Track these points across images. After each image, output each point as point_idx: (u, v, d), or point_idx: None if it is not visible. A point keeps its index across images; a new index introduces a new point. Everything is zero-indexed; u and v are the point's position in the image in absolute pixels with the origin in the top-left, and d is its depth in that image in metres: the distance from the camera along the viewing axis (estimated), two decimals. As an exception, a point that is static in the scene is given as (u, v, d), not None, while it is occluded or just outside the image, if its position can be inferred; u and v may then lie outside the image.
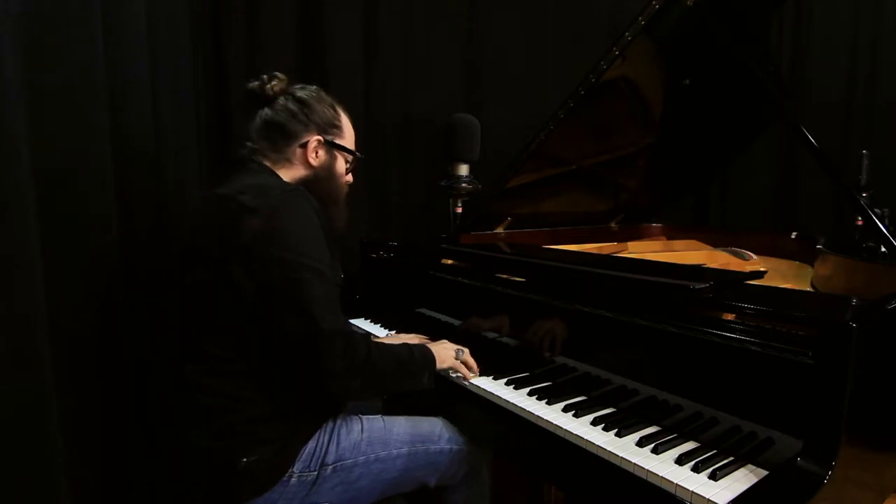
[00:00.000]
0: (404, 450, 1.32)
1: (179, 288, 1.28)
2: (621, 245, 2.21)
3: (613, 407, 1.22)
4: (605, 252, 2.03)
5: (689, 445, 1.06)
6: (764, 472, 0.97)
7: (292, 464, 1.21)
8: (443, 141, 2.20)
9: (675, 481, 0.95)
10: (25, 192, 1.26)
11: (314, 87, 1.40)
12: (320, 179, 1.37)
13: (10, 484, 1.25)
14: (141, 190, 1.64)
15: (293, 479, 1.21)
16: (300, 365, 1.18)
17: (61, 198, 1.39)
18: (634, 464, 1.01)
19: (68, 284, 1.41)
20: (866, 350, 0.92)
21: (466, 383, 1.40)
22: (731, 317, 1.07)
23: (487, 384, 1.37)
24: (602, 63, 1.64)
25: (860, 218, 1.49)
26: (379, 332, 1.82)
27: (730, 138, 2.38)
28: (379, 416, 1.38)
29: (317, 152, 1.36)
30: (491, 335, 1.56)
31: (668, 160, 2.30)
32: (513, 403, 1.27)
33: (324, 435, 1.27)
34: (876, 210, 1.41)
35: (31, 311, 1.27)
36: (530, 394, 1.30)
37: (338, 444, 1.27)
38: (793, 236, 2.12)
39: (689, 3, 1.56)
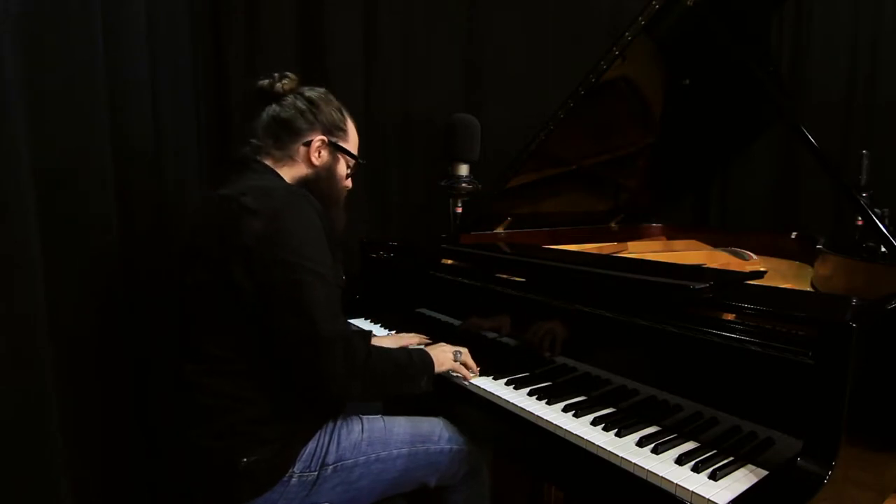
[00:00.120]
0: (404, 450, 1.32)
1: (179, 288, 1.28)
2: (621, 245, 2.21)
3: (613, 407, 1.22)
4: (605, 252, 2.03)
5: (689, 445, 1.06)
6: (764, 472, 0.97)
7: (293, 464, 1.21)
8: (443, 141, 2.20)
9: (675, 481, 0.95)
10: (25, 192, 1.26)
11: (323, 89, 1.41)
12: (321, 179, 1.37)
13: (10, 484, 1.25)
14: (141, 190, 1.64)
15: (293, 480, 1.21)
16: (300, 367, 1.18)
17: (61, 198, 1.39)
18: (634, 464, 1.01)
19: (68, 284, 1.41)
20: (866, 350, 0.93)
21: (466, 383, 1.40)
22: (731, 317, 1.07)
23: (487, 384, 1.37)
24: (602, 63, 1.64)
25: (860, 218, 1.49)
26: (379, 332, 1.82)
27: (730, 138, 2.38)
28: (379, 417, 1.38)
29: (320, 152, 1.36)
30: (491, 335, 1.56)
31: (668, 160, 2.30)
32: (513, 403, 1.27)
33: (324, 435, 1.27)
34: (876, 210, 1.41)
35: (31, 311, 1.27)
36: (530, 394, 1.30)
37: (338, 444, 1.27)
38: (793, 236, 2.12)
39: (689, 3, 1.56)
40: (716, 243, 2.18)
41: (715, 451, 1.03)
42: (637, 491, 1.00)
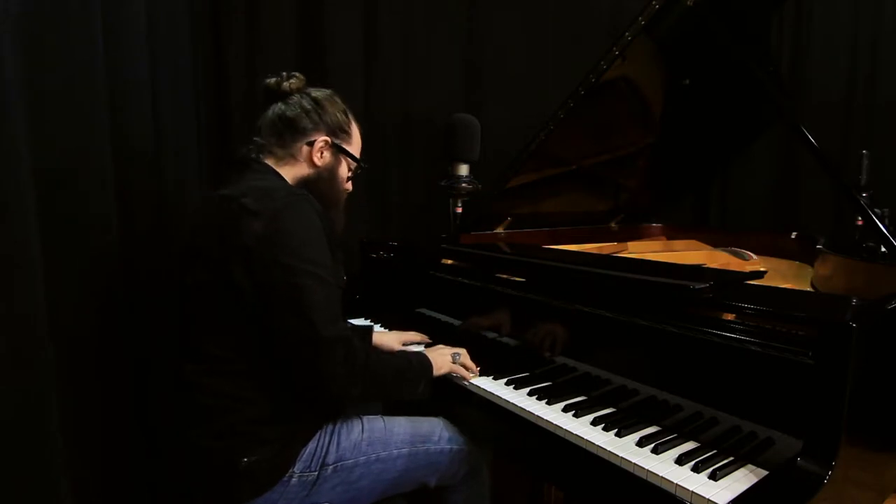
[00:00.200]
0: (405, 450, 1.32)
1: (179, 288, 1.28)
2: (621, 245, 2.21)
3: (613, 407, 1.22)
4: (605, 252, 2.03)
5: (689, 445, 1.06)
6: (764, 472, 0.97)
7: (293, 464, 1.21)
8: (443, 141, 2.20)
9: (675, 481, 0.95)
10: (25, 192, 1.26)
11: (330, 90, 1.41)
12: (322, 180, 1.37)
13: (10, 484, 1.25)
14: (141, 190, 1.64)
15: (294, 480, 1.21)
16: (300, 367, 1.18)
17: (61, 198, 1.39)
18: (634, 464, 1.01)
19: (68, 284, 1.41)
20: (866, 350, 0.92)
21: (466, 383, 1.40)
22: (731, 317, 1.07)
23: (487, 384, 1.37)
24: (602, 63, 1.64)
25: (860, 218, 1.49)
26: (379, 331, 1.82)
27: (730, 138, 2.38)
28: (379, 417, 1.38)
29: (322, 153, 1.36)
30: (491, 335, 1.56)
31: (668, 160, 2.30)
32: (513, 403, 1.27)
33: (324, 435, 1.27)
34: (876, 210, 1.41)
35: (31, 311, 1.27)
36: (530, 394, 1.30)
37: (338, 444, 1.27)
38: (793, 236, 2.12)
39: (689, 3, 1.56)
40: (716, 243, 2.18)
41: (715, 451, 1.03)
42: (637, 491, 1.00)
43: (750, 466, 0.99)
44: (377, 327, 1.85)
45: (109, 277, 1.52)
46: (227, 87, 2.04)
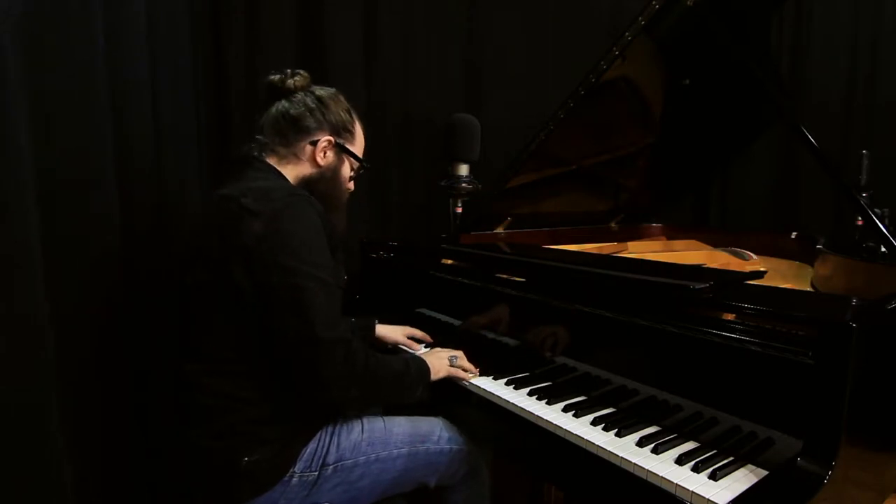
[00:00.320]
0: (404, 450, 1.32)
1: (180, 288, 1.28)
2: (621, 245, 2.22)
3: (613, 407, 1.22)
4: (605, 252, 2.03)
5: (689, 445, 1.06)
6: (764, 472, 0.97)
7: (293, 464, 1.21)
8: (443, 141, 2.20)
9: (675, 481, 0.95)
10: (25, 192, 1.26)
11: (334, 89, 1.41)
12: (324, 180, 1.37)
13: (10, 484, 1.25)
14: (141, 190, 1.64)
15: (294, 479, 1.21)
16: (300, 368, 1.18)
17: (61, 198, 1.39)
18: (634, 464, 1.01)
19: (69, 284, 1.41)
20: (866, 350, 0.92)
21: (466, 383, 1.40)
22: (731, 317, 1.07)
23: (487, 384, 1.37)
24: (602, 63, 1.64)
25: (860, 218, 1.49)
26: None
27: (730, 138, 2.38)
28: (379, 417, 1.38)
29: (325, 152, 1.36)
30: (491, 335, 1.56)
31: (668, 160, 2.30)
32: (513, 403, 1.27)
33: (324, 435, 1.27)
34: (876, 210, 1.41)
35: (31, 311, 1.27)
36: (530, 394, 1.30)
37: (338, 444, 1.27)
38: (793, 236, 2.12)
39: (689, 3, 1.56)
40: (716, 243, 2.18)
41: (715, 451, 1.03)
42: (637, 491, 1.00)
43: (750, 466, 0.99)
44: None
45: (109, 277, 1.52)
46: (227, 87, 2.03)
